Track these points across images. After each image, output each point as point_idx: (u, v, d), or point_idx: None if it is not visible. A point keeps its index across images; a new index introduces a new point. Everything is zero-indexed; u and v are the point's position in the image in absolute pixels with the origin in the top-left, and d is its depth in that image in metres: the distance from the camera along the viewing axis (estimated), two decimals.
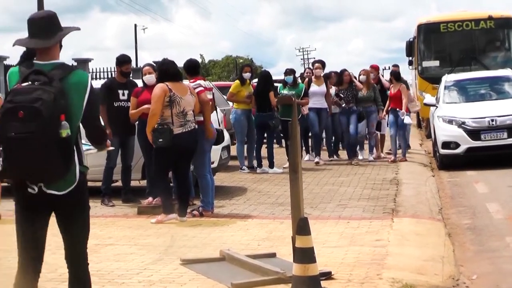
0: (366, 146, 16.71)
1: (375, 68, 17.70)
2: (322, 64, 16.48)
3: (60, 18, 4.61)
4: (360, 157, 16.21)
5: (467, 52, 23.03)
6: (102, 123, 10.35)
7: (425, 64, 23.51)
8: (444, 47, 23.75)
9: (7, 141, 4.28)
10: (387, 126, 16.72)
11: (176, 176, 9.74)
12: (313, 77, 16.09)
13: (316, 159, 15.82)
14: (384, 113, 16.27)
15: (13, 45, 4.66)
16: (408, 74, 31.28)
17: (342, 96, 15.91)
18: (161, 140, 9.21)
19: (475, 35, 23.31)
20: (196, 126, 9.54)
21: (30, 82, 4.34)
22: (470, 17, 23.53)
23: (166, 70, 9.54)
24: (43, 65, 4.47)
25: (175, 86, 9.40)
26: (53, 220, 4.50)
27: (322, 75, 16.20)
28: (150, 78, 10.48)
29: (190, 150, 9.52)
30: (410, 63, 24.76)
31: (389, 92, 16.33)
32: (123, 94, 10.85)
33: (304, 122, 15.26)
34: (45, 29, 4.53)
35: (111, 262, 7.19)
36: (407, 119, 16.07)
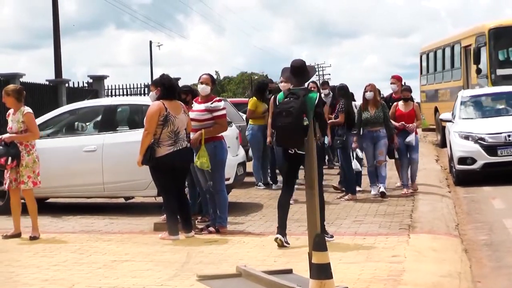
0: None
1: (398, 79, 14.80)
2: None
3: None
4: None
5: None
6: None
7: (500, 72, 20.80)
8: None
9: (277, 128, 8.54)
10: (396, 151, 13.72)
11: (173, 194, 9.54)
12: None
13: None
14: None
15: (281, 81, 10.23)
16: (417, 89, 29.87)
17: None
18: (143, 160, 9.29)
19: None
20: (188, 145, 9.51)
21: (288, 98, 8.50)
22: None
23: (171, 87, 9.51)
24: (293, 89, 8.63)
25: (171, 105, 9.39)
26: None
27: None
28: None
29: (181, 169, 9.48)
30: (479, 71, 21.49)
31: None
32: None
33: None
34: (301, 73, 8.72)
35: (127, 278, 7.20)
36: (410, 137, 13.50)
